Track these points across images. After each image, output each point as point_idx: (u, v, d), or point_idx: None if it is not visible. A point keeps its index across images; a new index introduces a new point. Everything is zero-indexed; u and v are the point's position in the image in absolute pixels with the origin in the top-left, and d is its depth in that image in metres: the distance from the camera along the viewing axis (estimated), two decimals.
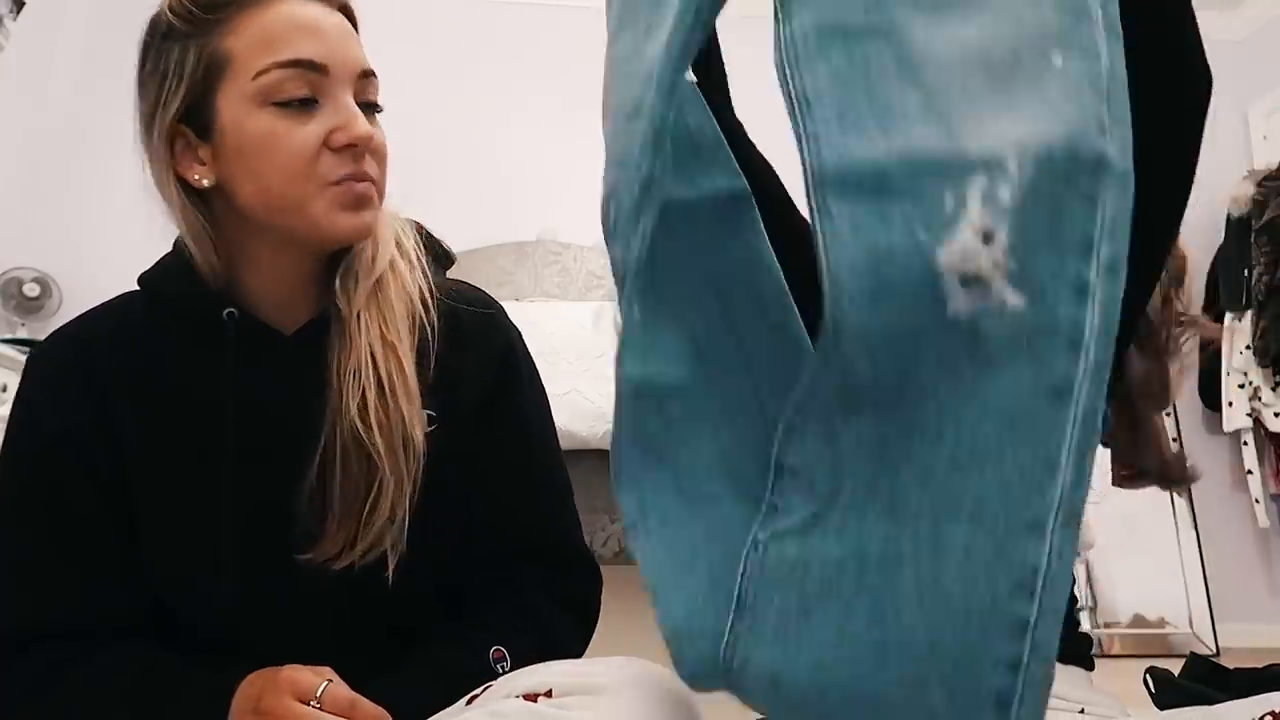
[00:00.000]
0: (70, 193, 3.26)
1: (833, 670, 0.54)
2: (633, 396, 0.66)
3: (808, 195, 0.57)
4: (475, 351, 0.88)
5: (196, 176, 0.78)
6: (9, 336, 2.93)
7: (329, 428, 0.78)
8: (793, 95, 0.57)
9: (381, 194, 0.82)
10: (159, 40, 0.78)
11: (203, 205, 0.79)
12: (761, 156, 1.02)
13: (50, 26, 3.24)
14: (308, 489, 0.78)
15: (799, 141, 0.57)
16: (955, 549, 0.52)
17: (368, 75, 0.80)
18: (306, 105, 0.76)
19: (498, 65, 3.62)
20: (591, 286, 3.35)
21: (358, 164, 0.78)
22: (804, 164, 0.57)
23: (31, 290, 3.11)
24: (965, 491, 0.53)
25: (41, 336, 2.95)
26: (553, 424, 0.95)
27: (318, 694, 0.70)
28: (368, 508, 0.77)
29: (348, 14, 0.82)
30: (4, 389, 2.47)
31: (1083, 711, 0.89)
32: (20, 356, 2.59)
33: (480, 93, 3.56)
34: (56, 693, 0.75)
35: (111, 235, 3.30)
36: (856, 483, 0.56)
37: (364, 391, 0.77)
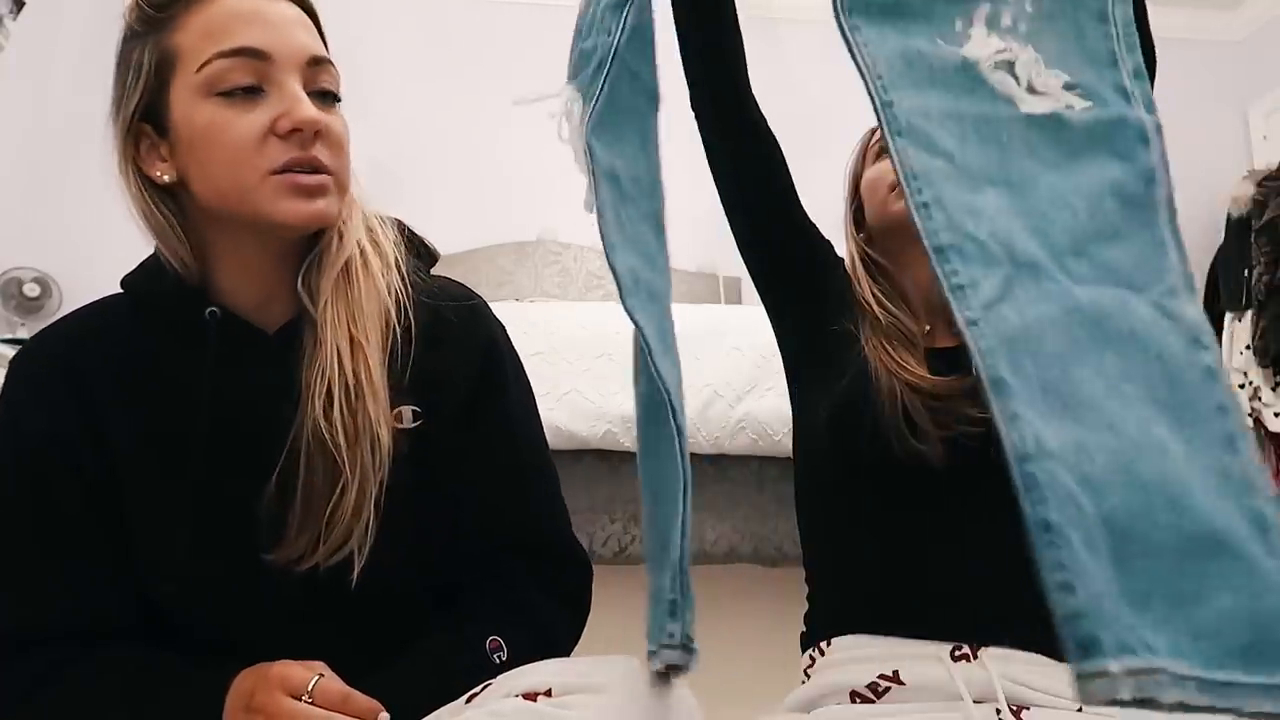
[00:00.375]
0: (70, 193, 3.26)
1: (1113, 418, 0.53)
2: (607, 180, 0.72)
3: (837, 18, 0.65)
4: (458, 348, 0.87)
5: (158, 173, 0.79)
6: (9, 336, 2.93)
7: (296, 428, 0.78)
8: None
9: (341, 183, 0.80)
10: (126, 43, 0.80)
11: (172, 202, 0.80)
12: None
13: (50, 26, 3.24)
14: (269, 490, 0.78)
15: None
16: (1139, 307, 0.57)
17: (319, 62, 0.79)
18: (251, 94, 0.76)
19: (498, 65, 3.62)
20: (591, 286, 3.35)
21: (304, 150, 0.76)
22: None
23: (31, 290, 3.11)
24: (1116, 263, 0.58)
25: None
26: (538, 417, 0.94)
27: (309, 689, 0.70)
28: (331, 509, 0.76)
29: (303, 5, 0.82)
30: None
31: (1081, 709, 0.89)
32: None
33: (480, 93, 3.56)
34: (54, 693, 0.75)
35: (111, 235, 3.28)
36: (1024, 243, 0.58)
37: (330, 391, 0.77)
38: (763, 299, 1.17)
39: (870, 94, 0.62)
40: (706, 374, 1.66)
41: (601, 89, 0.71)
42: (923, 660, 0.91)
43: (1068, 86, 0.62)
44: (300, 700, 0.69)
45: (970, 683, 0.89)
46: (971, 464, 0.96)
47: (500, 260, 3.33)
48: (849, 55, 0.64)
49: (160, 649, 0.79)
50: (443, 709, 0.74)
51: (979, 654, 0.90)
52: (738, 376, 1.66)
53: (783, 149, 1.12)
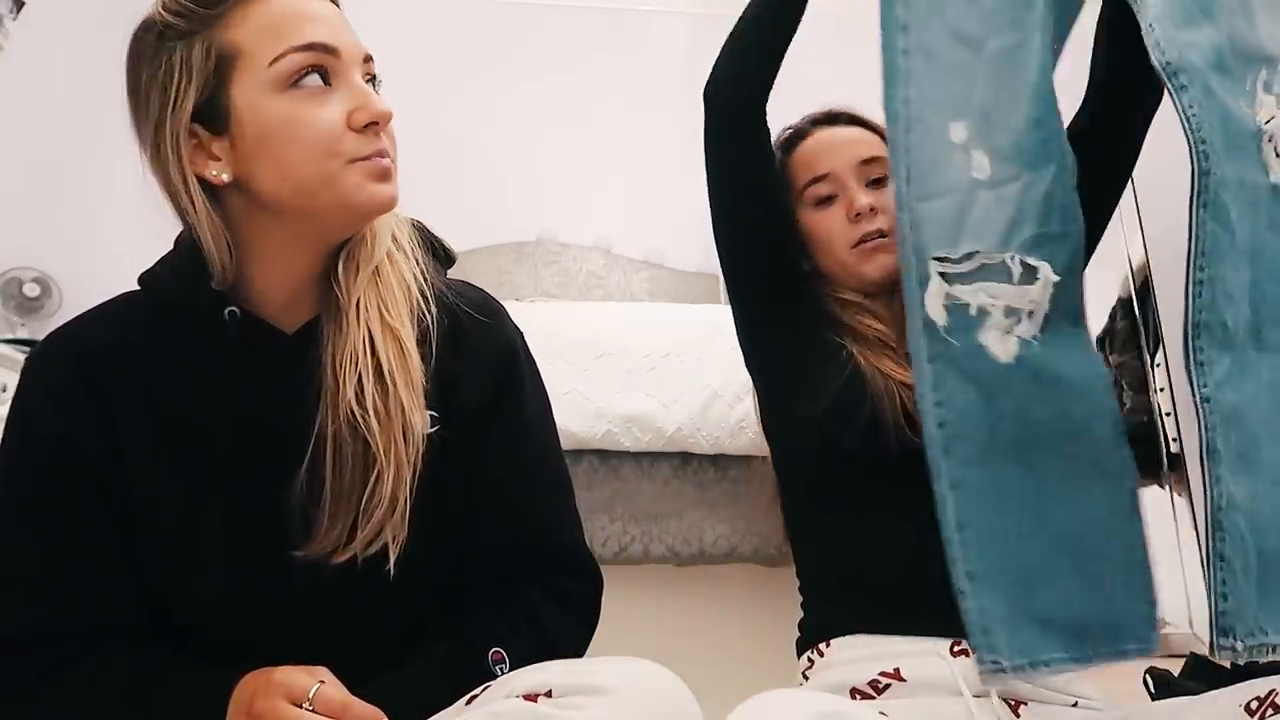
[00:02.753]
0: (70, 193, 3.25)
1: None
2: None
3: (1166, 80, 0.75)
4: (477, 354, 0.87)
5: (214, 172, 0.78)
6: (9, 336, 2.93)
7: (323, 417, 0.77)
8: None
9: (395, 171, 0.82)
10: (154, 41, 0.77)
11: (216, 202, 0.79)
12: None
13: (50, 26, 3.23)
14: (300, 482, 0.77)
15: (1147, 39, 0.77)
16: None
17: (369, 59, 0.82)
18: (324, 88, 0.77)
19: (499, 65, 3.62)
20: (591, 286, 3.35)
21: (379, 142, 0.79)
22: (1154, 58, 0.77)
23: (31, 290, 3.11)
24: None
25: (41, 336, 2.94)
26: (554, 425, 0.94)
27: (310, 696, 0.69)
28: (366, 497, 0.76)
29: (336, 3, 0.84)
30: (4, 389, 2.47)
31: (1076, 704, 0.90)
32: (20, 357, 2.59)
33: (480, 92, 3.56)
34: (53, 693, 0.75)
35: (111, 235, 3.29)
36: (1245, 323, 0.71)
37: (361, 378, 0.77)
38: (745, 312, 1.16)
39: (1193, 158, 0.74)
40: (706, 374, 1.66)
41: None
42: (923, 656, 0.91)
43: None
44: (301, 707, 0.69)
45: (970, 678, 0.89)
46: None
47: (500, 260, 3.33)
48: (1178, 117, 0.76)
49: (163, 649, 0.78)
50: (442, 711, 0.74)
51: None
52: (738, 376, 1.65)
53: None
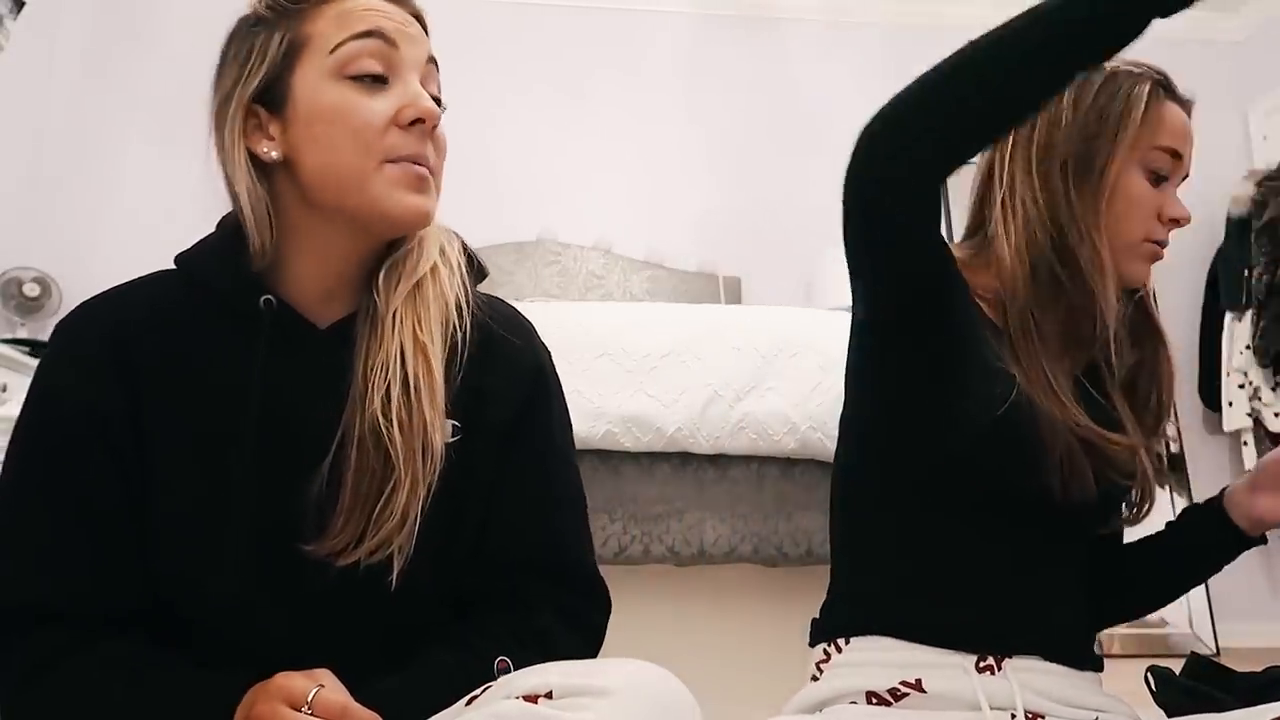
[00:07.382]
0: (70, 193, 3.26)
1: None
2: None
3: None
4: (507, 371, 0.88)
5: (265, 149, 0.80)
6: (9, 336, 2.93)
7: (349, 419, 0.78)
8: None
9: (439, 187, 0.84)
10: (247, 28, 0.82)
11: (267, 182, 0.81)
12: None
13: (50, 26, 3.23)
14: (320, 479, 0.78)
15: None
16: None
17: (433, 63, 0.84)
18: (378, 81, 0.80)
19: (498, 65, 3.62)
20: (591, 286, 3.35)
21: (421, 145, 0.80)
22: None
23: (31, 290, 3.11)
24: None
25: (41, 336, 2.93)
26: (574, 447, 0.95)
27: (309, 700, 0.69)
28: (380, 506, 0.77)
29: (421, 21, 0.86)
30: (4, 389, 2.47)
31: (1097, 719, 0.89)
32: (20, 356, 2.59)
33: (480, 92, 3.56)
34: (55, 681, 0.74)
35: (111, 235, 3.30)
36: None
37: (389, 387, 0.78)
38: (884, 318, 0.92)
39: None
40: (706, 374, 1.66)
41: None
42: (947, 670, 0.89)
43: None
44: (300, 711, 0.68)
45: (992, 695, 0.88)
46: (1103, 511, 0.95)
47: (500, 260, 3.33)
48: None
49: (167, 648, 0.78)
50: (442, 712, 0.74)
51: (1003, 665, 0.89)
52: (738, 376, 1.65)
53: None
